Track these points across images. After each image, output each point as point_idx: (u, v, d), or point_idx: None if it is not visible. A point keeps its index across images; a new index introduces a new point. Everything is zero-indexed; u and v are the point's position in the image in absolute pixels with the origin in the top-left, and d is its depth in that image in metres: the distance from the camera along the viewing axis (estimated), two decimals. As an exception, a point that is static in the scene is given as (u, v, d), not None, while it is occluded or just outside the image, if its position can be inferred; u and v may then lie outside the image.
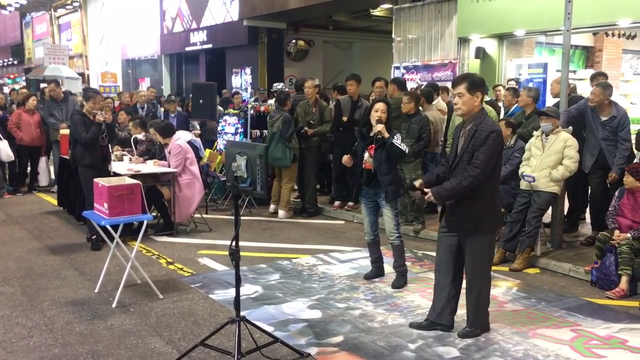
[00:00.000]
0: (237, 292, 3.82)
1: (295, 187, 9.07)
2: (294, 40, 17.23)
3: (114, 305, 4.88)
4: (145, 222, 5.12)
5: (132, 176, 6.45)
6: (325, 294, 5.22)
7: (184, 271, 5.91)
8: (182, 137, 7.75)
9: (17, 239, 7.15)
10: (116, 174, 6.69)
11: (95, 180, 5.12)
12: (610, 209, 5.71)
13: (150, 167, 7.53)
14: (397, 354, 4.04)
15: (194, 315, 4.74)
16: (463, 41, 10.15)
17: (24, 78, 26.11)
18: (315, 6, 13.02)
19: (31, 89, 15.89)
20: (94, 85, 22.31)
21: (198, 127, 10.53)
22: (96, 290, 5.23)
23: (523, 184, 6.19)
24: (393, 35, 11.46)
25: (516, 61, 10.09)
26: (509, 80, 9.66)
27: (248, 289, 5.29)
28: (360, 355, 4.02)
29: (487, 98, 7.08)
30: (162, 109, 11.07)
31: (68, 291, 5.28)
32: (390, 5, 12.23)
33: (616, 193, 5.74)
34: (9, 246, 6.81)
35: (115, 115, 9.54)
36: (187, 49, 19.05)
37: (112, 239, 5.09)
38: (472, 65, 10.11)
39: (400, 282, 5.40)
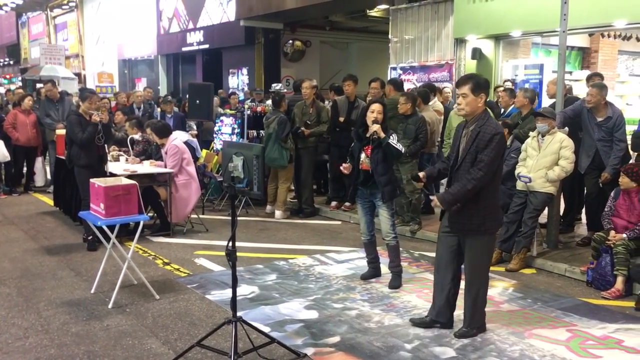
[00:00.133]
0: (234, 292, 3.83)
1: (292, 187, 9.07)
2: (290, 41, 17.24)
3: (110, 306, 4.87)
4: (141, 223, 5.13)
5: (129, 176, 6.44)
6: (321, 295, 5.22)
7: (181, 272, 5.90)
8: (178, 138, 7.74)
9: (13, 240, 7.13)
10: (112, 174, 6.68)
11: (92, 180, 5.11)
12: (606, 209, 5.73)
13: (147, 167, 7.52)
14: (394, 354, 4.04)
15: (190, 315, 4.73)
16: (459, 42, 10.17)
17: (20, 78, 26.02)
18: (312, 7, 13.03)
19: (27, 89, 15.81)
20: (90, 85, 22.26)
21: (195, 127, 10.52)
22: (92, 291, 5.22)
23: (519, 185, 6.20)
24: (390, 36, 11.49)
25: (512, 62, 10.11)
26: (505, 81, 9.67)
27: (244, 290, 5.29)
28: (357, 355, 4.02)
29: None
30: (159, 109, 11.05)
31: (64, 292, 5.26)
32: (386, 6, 12.25)
33: (612, 194, 5.75)
34: (5, 247, 6.80)
35: (111, 116, 9.54)
36: (184, 49, 19.04)
37: (108, 239, 5.08)
38: (469, 66, 10.13)
39: (397, 282, 5.41)
